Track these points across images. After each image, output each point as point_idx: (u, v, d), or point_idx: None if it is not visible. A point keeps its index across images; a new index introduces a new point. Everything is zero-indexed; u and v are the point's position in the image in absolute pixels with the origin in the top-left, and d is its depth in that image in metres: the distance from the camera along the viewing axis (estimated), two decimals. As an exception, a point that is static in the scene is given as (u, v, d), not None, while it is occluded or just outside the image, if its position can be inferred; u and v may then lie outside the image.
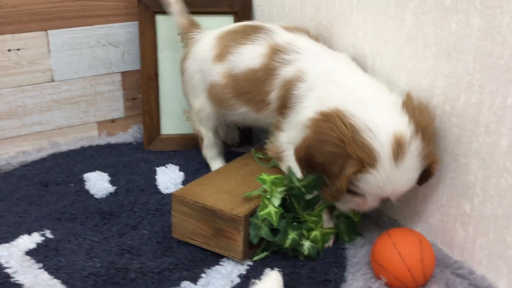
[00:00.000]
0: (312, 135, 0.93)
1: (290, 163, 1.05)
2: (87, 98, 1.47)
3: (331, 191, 0.94)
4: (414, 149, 0.89)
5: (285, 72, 1.06)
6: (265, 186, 1.01)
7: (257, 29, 1.15)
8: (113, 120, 1.53)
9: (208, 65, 1.19)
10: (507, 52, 0.83)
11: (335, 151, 0.89)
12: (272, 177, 1.02)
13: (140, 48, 1.40)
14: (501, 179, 0.88)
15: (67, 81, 1.43)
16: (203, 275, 0.98)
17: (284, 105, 1.06)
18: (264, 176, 1.03)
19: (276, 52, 1.08)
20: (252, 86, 1.11)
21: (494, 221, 0.91)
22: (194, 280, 0.97)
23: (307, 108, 1.00)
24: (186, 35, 1.29)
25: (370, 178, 0.89)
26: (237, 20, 1.41)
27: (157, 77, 1.42)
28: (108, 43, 1.46)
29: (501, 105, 0.86)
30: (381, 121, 0.89)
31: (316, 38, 1.15)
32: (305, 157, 0.94)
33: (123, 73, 1.50)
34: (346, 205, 1.00)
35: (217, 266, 1.00)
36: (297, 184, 1.00)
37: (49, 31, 1.38)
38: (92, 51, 1.44)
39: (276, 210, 0.99)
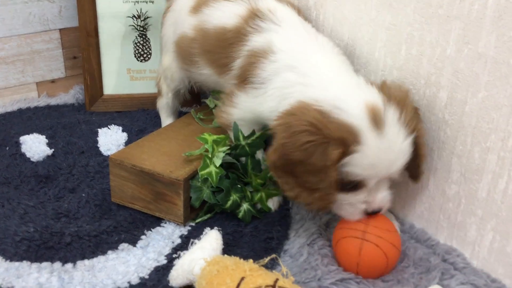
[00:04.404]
0: (281, 133, 0.83)
1: None
2: (24, 57, 1.39)
3: (321, 194, 0.82)
4: (392, 114, 0.80)
5: (254, 41, 0.96)
6: (207, 146, 0.98)
7: None
8: (53, 81, 1.46)
9: (182, 16, 1.11)
10: (446, 0, 0.81)
11: (312, 139, 0.79)
12: (215, 136, 0.99)
13: (77, 2, 1.32)
14: (440, 132, 0.88)
15: (0, 39, 1.35)
16: (143, 237, 0.95)
17: (244, 78, 0.98)
18: (206, 135, 0.99)
19: (253, 16, 0.98)
20: (220, 46, 1.02)
21: (433, 174, 0.91)
22: (133, 242, 0.94)
23: (270, 98, 0.92)
24: None
25: (359, 157, 0.79)
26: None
27: (97, 34, 1.35)
28: (43, -3, 1.37)
29: (441, 56, 0.85)
30: (347, 96, 0.82)
31: (305, 17, 1.04)
32: (280, 160, 0.83)
33: (61, 30, 1.42)
34: (354, 210, 0.86)
35: (158, 228, 0.98)
36: (243, 142, 0.97)
37: (-23, -15, 1.29)
38: (26, 7, 1.35)
39: (217, 170, 0.96)
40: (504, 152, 0.79)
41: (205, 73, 1.09)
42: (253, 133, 0.97)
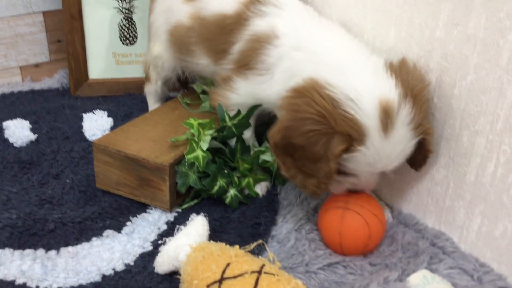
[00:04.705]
0: (288, 115, 0.80)
1: None
2: (7, 40, 1.36)
3: (316, 180, 0.81)
4: (404, 116, 0.77)
5: (257, 26, 0.93)
6: (193, 131, 0.96)
7: None
8: (37, 65, 1.43)
9: (176, 4, 1.07)
10: (435, -19, 0.80)
11: (317, 128, 0.77)
12: (200, 120, 0.98)
13: (61, -16, 1.30)
14: (429, 115, 0.87)
15: (-18, 22, 1.32)
16: (128, 223, 0.94)
17: (245, 63, 0.94)
18: (192, 120, 0.97)
19: (254, 1, 0.95)
20: (220, 34, 0.99)
21: (422, 159, 0.90)
22: (119, 228, 0.93)
23: (277, 82, 0.88)
24: None
25: (358, 156, 0.78)
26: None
27: (81, 16, 1.32)
28: (26, -21, 1.34)
29: (430, 38, 0.83)
30: (362, 87, 0.76)
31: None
32: (282, 141, 0.82)
33: (44, 13, 1.39)
34: (339, 186, 0.87)
35: (143, 214, 0.96)
36: (229, 123, 0.96)
37: (-44, -34, 1.25)
38: (8, -11, 1.33)
39: (204, 155, 0.95)
40: (492, 135, 0.78)
41: (203, 63, 1.06)
42: (238, 113, 0.96)
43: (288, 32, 0.89)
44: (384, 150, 0.77)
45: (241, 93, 0.96)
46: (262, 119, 1.02)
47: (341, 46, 0.85)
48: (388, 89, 0.77)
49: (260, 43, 0.91)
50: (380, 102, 0.76)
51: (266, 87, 0.91)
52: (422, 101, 0.79)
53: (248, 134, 1.00)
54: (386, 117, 0.76)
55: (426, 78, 0.83)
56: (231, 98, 0.97)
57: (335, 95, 0.76)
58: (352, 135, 0.76)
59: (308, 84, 0.79)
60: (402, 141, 0.78)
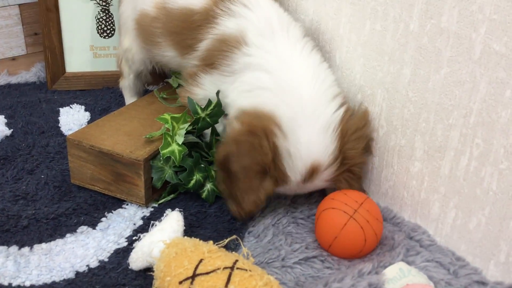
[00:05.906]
0: (235, 145, 0.86)
1: None
2: (-19, 33, 1.34)
3: (239, 206, 0.89)
4: (325, 176, 0.88)
5: (225, 26, 0.92)
6: (168, 125, 0.95)
7: None
8: (14, 58, 1.40)
9: None
10: (409, -26, 0.79)
11: (255, 168, 0.85)
12: (174, 115, 0.97)
13: (36, -24, 1.27)
14: (404, 109, 0.87)
15: (-45, 15, 1.29)
16: (103, 219, 0.93)
17: (211, 63, 0.95)
18: (166, 115, 0.96)
19: None
20: (185, 28, 0.98)
21: (398, 152, 0.90)
22: (93, 224, 0.92)
23: (236, 90, 0.91)
24: None
25: (280, 188, 0.90)
26: None
27: (58, 9, 1.30)
28: (0, -29, 1.31)
29: (404, 31, 0.83)
30: (304, 148, 0.85)
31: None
32: (224, 161, 0.88)
33: (21, 5, 1.37)
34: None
35: (119, 209, 0.95)
36: (202, 114, 0.95)
37: None
38: (-18, -19, 1.30)
39: (180, 148, 0.94)
40: (466, 129, 0.78)
41: (169, 55, 1.05)
42: (209, 103, 0.95)
43: (257, 44, 0.89)
44: (300, 190, 0.91)
45: (206, 88, 0.97)
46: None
47: (307, 83, 0.87)
48: (323, 154, 0.86)
49: (228, 46, 0.91)
50: (312, 165, 0.86)
51: (226, 87, 0.93)
52: (354, 162, 0.89)
53: (220, 128, 1.00)
54: (310, 175, 0.87)
55: (369, 137, 0.92)
56: (197, 93, 0.98)
57: (280, 146, 0.84)
58: (279, 179, 0.87)
59: (262, 124, 0.84)
60: (316, 186, 0.91)
